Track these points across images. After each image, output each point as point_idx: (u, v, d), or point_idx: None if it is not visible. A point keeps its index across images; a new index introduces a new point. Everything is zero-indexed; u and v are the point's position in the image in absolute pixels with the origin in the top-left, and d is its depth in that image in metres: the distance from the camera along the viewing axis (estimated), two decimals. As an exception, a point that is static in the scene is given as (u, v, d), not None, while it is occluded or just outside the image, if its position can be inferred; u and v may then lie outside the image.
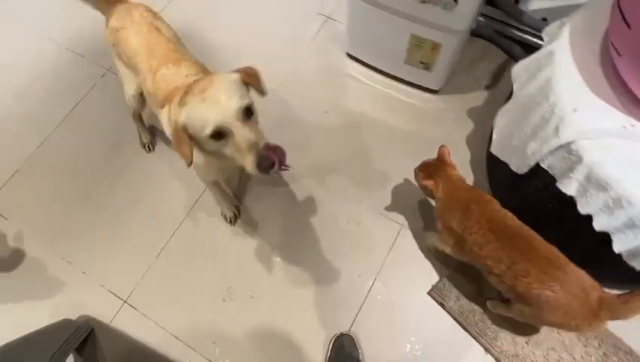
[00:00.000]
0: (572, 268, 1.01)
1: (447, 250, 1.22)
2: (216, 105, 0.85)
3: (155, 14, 1.23)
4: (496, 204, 1.14)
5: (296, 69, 1.76)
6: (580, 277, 1.00)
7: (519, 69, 1.24)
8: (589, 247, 1.09)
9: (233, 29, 1.86)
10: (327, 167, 1.57)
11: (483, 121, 1.58)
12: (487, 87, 1.69)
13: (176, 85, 1.05)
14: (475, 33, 1.76)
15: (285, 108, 1.69)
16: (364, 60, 1.73)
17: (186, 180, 1.56)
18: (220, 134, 0.86)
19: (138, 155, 1.63)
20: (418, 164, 1.28)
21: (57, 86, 1.79)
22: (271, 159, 0.86)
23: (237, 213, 1.50)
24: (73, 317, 1.35)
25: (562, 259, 1.02)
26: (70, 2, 1.67)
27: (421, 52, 1.49)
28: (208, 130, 0.85)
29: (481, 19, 1.72)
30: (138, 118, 1.55)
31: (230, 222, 1.49)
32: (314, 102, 1.70)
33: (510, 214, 1.11)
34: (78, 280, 1.44)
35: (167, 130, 1.07)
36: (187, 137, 0.89)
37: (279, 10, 1.90)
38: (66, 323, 1.28)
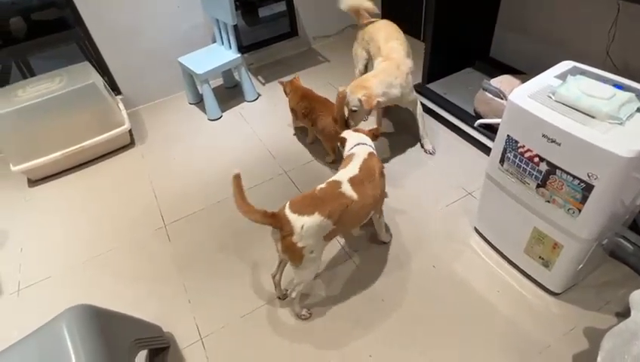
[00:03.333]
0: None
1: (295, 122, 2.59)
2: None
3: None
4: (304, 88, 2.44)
5: (423, 222, 1.97)
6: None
7: (638, 296, 1.16)
8: None
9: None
10: (413, 313, 1.62)
11: (599, 346, 1.41)
12: (618, 315, 1.52)
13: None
14: (618, 257, 1.68)
15: (398, 250, 1.87)
16: (488, 238, 1.82)
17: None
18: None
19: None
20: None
21: (250, 168, 2.43)
22: None
23: None
24: (164, 328, 1.64)
25: (328, 101, 2.31)
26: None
27: (541, 247, 1.52)
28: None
29: (629, 245, 1.65)
30: None
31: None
32: (427, 253, 1.83)
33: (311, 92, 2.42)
34: (182, 304, 1.77)
35: None
36: None
37: (432, 173, 2.23)
38: (156, 328, 1.57)
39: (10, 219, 2.37)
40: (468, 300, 1.64)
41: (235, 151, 2.62)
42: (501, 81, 2.15)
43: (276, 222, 1.40)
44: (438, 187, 2.15)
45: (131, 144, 2.82)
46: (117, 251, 2.07)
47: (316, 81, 3.17)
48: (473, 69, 2.70)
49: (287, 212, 1.40)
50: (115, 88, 3.03)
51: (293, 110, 2.47)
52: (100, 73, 2.81)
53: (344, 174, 1.54)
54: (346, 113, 2.09)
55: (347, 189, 1.48)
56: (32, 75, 3.30)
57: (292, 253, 1.42)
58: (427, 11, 3.16)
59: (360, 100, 1.95)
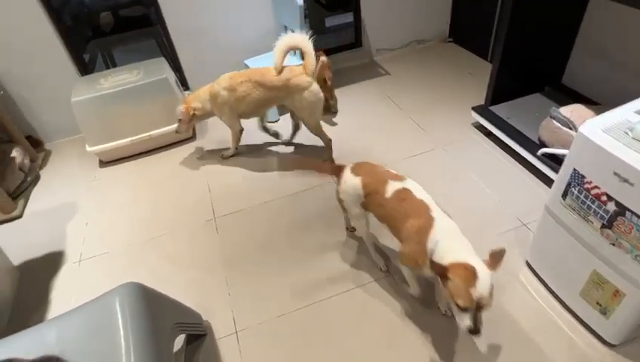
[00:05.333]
0: None
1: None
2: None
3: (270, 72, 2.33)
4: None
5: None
6: None
7: None
8: None
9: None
10: (450, 343, 1.56)
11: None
12: (684, 380, 1.37)
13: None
14: (690, 315, 1.51)
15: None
16: (540, 274, 1.72)
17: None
18: None
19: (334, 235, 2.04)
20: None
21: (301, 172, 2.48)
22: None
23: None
24: (203, 317, 1.71)
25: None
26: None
27: (600, 292, 1.41)
28: None
29: None
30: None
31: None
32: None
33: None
34: (222, 296, 1.84)
35: None
36: None
37: (485, 198, 2.14)
38: (197, 315, 1.65)
39: (81, 194, 2.59)
40: (511, 337, 1.55)
41: (289, 154, 2.69)
42: (572, 110, 2.04)
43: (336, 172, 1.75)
44: (490, 213, 2.06)
45: (193, 137, 2.98)
46: (169, 237, 2.19)
47: (374, 93, 3.17)
48: (542, 94, 2.57)
49: (347, 170, 1.69)
50: (184, 84, 3.22)
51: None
52: (172, 69, 3.00)
53: (411, 186, 1.53)
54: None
55: (392, 187, 1.53)
56: (114, 65, 3.61)
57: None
58: (498, 31, 3.08)
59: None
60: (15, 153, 2.68)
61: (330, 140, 2.49)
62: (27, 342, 1.21)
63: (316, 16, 3.97)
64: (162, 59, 2.95)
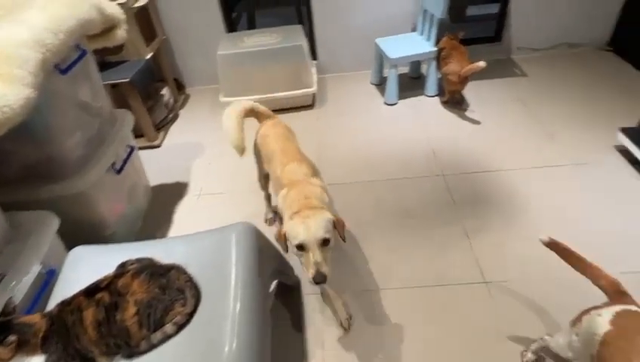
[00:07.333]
0: None
1: None
2: (307, 230, 1.26)
3: (288, 129, 1.81)
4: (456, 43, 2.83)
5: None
6: None
7: None
8: None
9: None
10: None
11: None
12: None
13: (297, 178, 1.52)
14: None
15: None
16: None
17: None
18: (301, 246, 1.26)
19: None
20: None
21: (407, 160, 2.46)
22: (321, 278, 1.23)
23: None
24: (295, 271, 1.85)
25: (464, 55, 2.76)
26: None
27: None
28: (295, 242, 1.27)
29: None
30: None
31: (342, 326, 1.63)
32: None
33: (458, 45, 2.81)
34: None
35: (280, 204, 1.52)
36: (284, 238, 1.34)
37: (615, 230, 1.91)
38: (290, 266, 1.78)
39: (209, 137, 2.91)
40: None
41: (400, 138, 2.67)
42: None
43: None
44: (617, 248, 1.83)
45: (311, 106, 3.12)
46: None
47: (505, 93, 2.97)
48: None
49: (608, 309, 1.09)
50: (313, 53, 3.36)
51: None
52: (307, 37, 3.14)
53: None
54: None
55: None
56: (253, 27, 3.87)
57: None
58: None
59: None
60: (164, 91, 3.09)
61: None
62: (159, 249, 1.42)
63: (457, 3, 3.79)
64: (299, 26, 3.10)
